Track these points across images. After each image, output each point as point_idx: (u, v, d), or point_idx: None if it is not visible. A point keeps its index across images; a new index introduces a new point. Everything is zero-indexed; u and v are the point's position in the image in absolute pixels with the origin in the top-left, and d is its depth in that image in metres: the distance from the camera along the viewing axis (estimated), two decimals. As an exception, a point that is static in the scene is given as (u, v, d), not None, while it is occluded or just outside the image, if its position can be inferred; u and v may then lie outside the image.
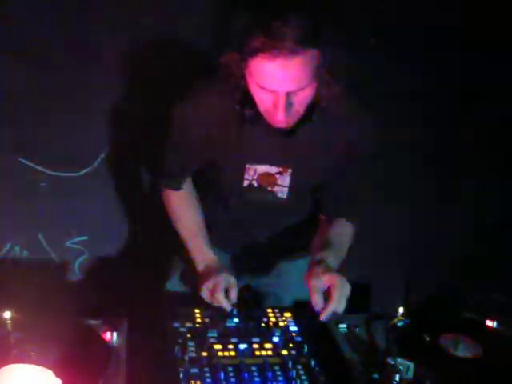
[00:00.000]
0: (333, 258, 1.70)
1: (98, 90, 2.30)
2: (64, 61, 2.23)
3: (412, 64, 2.45)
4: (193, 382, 1.41)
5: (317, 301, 1.56)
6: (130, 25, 2.20)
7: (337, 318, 1.61)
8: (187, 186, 1.94)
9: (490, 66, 2.52)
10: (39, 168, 2.39)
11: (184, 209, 1.94)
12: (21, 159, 2.36)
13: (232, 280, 1.75)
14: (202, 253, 1.89)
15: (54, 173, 2.41)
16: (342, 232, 1.85)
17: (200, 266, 1.87)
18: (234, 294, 1.72)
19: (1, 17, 2.14)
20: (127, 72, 2.29)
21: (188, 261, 1.91)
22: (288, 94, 1.49)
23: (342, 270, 1.69)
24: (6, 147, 2.33)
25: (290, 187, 1.79)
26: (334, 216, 1.87)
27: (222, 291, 1.71)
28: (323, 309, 1.55)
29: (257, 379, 1.44)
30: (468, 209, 2.79)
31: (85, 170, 2.42)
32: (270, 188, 1.80)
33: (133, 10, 2.19)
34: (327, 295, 1.57)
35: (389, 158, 2.53)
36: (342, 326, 1.67)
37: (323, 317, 1.54)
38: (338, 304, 1.55)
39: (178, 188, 1.91)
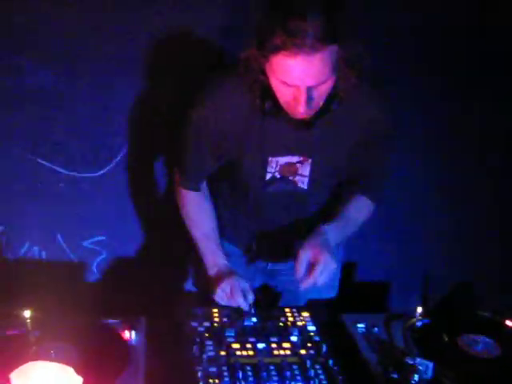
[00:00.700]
0: (335, 231, 1.80)
1: (115, 92, 2.30)
2: (83, 62, 2.24)
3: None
4: (211, 381, 1.42)
5: (299, 270, 1.68)
6: (150, 26, 2.20)
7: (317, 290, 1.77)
8: (203, 187, 1.94)
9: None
10: (57, 169, 2.40)
11: (199, 210, 1.94)
12: (39, 160, 2.37)
13: (246, 284, 1.78)
14: (214, 256, 1.90)
15: (71, 173, 2.42)
16: (357, 207, 1.91)
17: (211, 269, 1.88)
18: (250, 297, 1.75)
19: (26, 17, 2.16)
20: (145, 73, 2.29)
21: (198, 261, 1.92)
22: (309, 88, 1.51)
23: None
24: (24, 148, 2.35)
25: (311, 176, 1.80)
26: (354, 192, 1.92)
27: (240, 293, 1.73)
28: (304, 278, 1.67)
29: (275, 378, 1.44)
30: (493, 208, 2.75)
31: (102, 171, 2.43)
32: (291, 177, 1.81)
33: (156, 11, 2.19)
34: (312, 267, 1.67)
35: (414, 156, 2.52)
36: (361, 325, 1.67)
37: (302, 286, 1.68)
38: (317, 278, 1.67)
39: (195, 189, 1.91)
